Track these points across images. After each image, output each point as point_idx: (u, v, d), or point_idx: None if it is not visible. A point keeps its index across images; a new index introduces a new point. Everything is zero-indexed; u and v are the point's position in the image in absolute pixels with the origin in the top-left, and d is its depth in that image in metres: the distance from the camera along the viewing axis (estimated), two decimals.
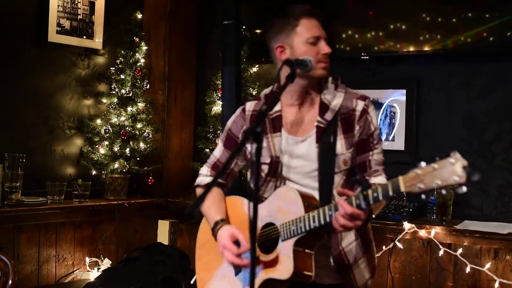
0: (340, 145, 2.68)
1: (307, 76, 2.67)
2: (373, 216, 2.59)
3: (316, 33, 2.65)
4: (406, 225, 4.00)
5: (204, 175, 3.03)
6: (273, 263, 2.62)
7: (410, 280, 4.11)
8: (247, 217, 2.62)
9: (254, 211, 1.98)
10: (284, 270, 2.56)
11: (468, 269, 3.88)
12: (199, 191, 3.04)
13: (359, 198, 2.35)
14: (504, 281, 3.78)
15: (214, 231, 2.78)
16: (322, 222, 2.46)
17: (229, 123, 2.97)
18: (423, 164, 2.14)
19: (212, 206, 2.87)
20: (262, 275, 2.65)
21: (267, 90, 2.91)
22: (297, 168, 2.74)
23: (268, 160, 2.74)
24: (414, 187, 2.15)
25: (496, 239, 3.80)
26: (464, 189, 2.04)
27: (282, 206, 2.63)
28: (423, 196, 2.19)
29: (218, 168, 2.95)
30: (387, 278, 4.16)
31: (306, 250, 2.59)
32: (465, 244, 3.91)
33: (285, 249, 2.58)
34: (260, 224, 2.70)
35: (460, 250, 3.90)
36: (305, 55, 2.62)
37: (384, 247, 4.11)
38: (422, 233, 3.98)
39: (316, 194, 2.66)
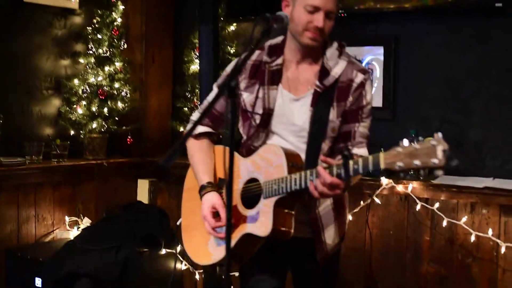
0: (332, 113, 2.70)
1: (297, 39, 2.67)
2: (350, 185, 2.61)
3: (318, 4, 2.57)
4: (384, 181, 4.04)
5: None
6: (253, 219, 2.65)
7: (388, 234, 4.17)
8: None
9: (230, 167, 1.98)
10: (263, 227, 2.60)
11: (445, 223, 3.93)
12: (190, 143, 2.94)
13: (340, 168, 2.38)
14: (480, 234, 3.84)
15: (201, 194, 2.81)
16: (303, 186, 2.50)
17: (228, 68, 2.92)
18: (405, 142, 2.17)
19: (200, 163, 2.88)
20: (241, 228, 2.68)
21: (273, 41, 2.84)
22: (286, 124, 2.75)
23: (260, 111, 2.75)
24: (393, 164, 2.18)
25: (473, 193, 3.85)
26: (441, 173, 2.10)
27: (267, 164, 2.66)
28: (401, 175, 2.21)
29: (211, 114, 2.91)
30: (365, 233, 4.21)
31: (286, 210, 2.62)
32: (442, 198, 3.95)
33: (266, 206, 2.61)
34: (244, 178, 2.74)
35: (437, 205, 3.95)
36: (298, 19, 2.61)
37: (362, 202, 4.15)
38: (400, 188, 4.03)
39: (302, 155, 2.69)
